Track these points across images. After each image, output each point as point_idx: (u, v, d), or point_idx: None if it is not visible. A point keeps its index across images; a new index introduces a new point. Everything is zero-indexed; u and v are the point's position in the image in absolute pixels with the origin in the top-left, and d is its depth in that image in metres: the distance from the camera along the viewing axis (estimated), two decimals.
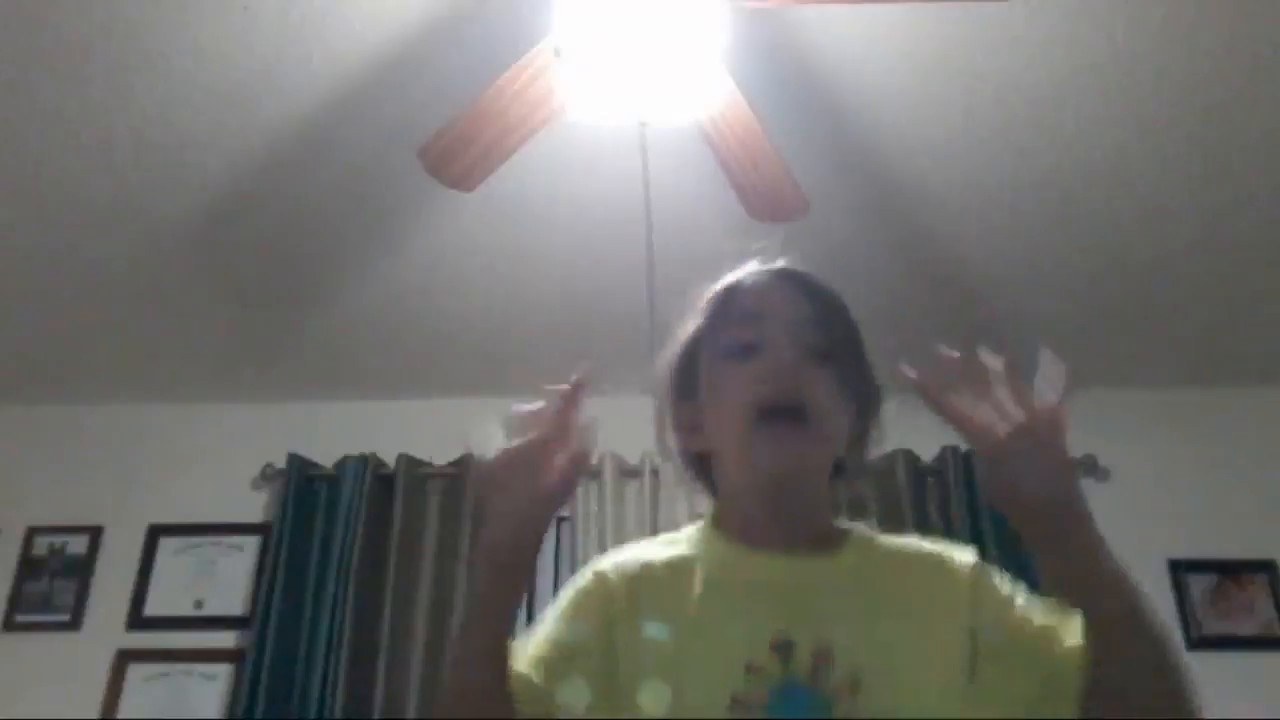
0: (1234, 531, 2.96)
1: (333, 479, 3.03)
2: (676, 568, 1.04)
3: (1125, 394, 3.15)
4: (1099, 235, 2.65)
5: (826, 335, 1.06)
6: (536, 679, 0.97)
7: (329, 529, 2.95)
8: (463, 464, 3.01)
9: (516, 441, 0.94)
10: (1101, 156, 2.42)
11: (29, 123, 2.31)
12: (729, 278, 1.13)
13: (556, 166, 2.44)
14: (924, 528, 2.85)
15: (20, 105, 2.27)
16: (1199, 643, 2.82)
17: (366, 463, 3.01)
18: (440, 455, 3.05)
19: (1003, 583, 1.04)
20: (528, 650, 1.00)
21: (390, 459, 3.04)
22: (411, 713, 2.69)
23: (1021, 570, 2.72)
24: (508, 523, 0.94)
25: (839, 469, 1.09)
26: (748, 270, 1.13)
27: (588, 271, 2.75)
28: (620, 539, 2.87)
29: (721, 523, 1.08)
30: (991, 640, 0.98)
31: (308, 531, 2.96)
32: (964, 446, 2.88)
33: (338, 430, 3.13)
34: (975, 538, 2.83)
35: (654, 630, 0.99)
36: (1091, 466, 3.02)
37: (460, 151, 2.03)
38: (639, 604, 1.01)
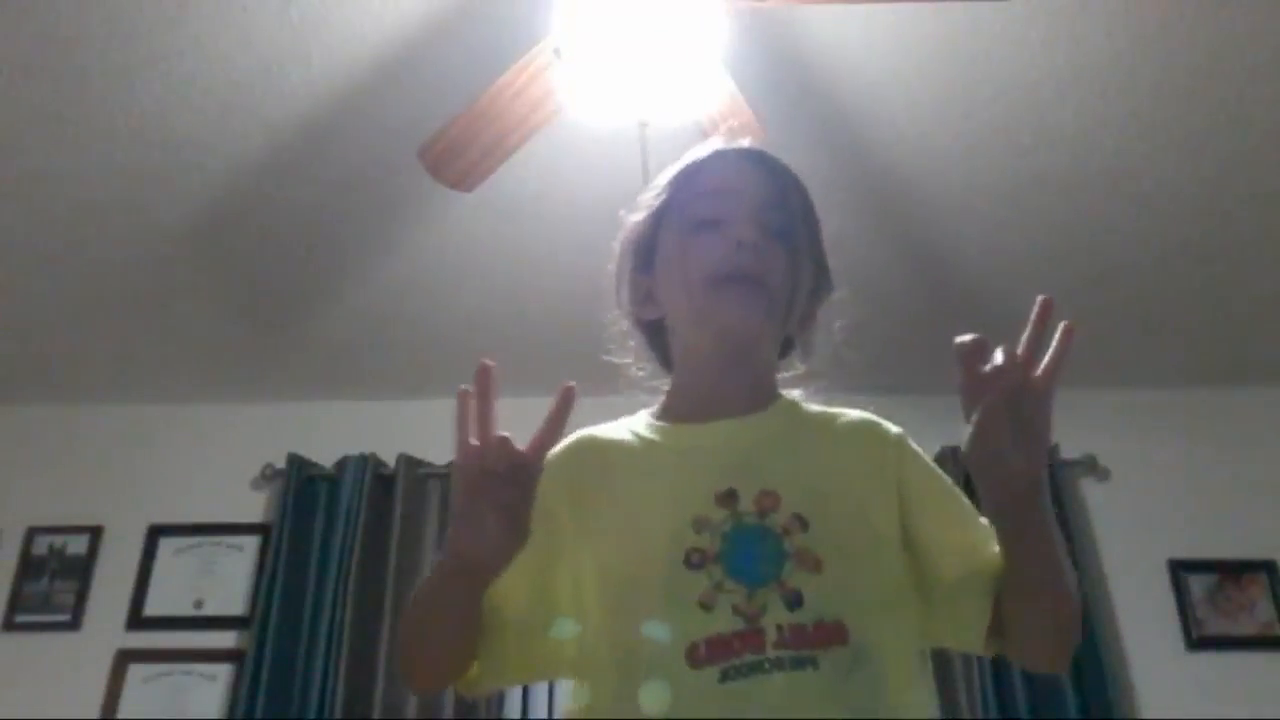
0: (1234, 531, 2.96)
1: (333, 479, 3.03)
2: (621, 443, 1.09)
3: (1125, 394, 3.15)
4: (1099, 235, 2.65)
5: (787, 216, 1.11)
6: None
7: (329, 529, 2.95)
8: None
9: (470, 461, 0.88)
10: (1101, 157, 2.42)
11: (29, 123, 2.31)
12: (693, 155, 1.17)
13: (556, 166, 2.44)
14: None
15: (20, 106, 2.27)
16: (1199, 643, 2.83)
17: (366, 463, 3.01)
18: (440, 455, 3.04)
19: (926, 461, 1.09)
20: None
21: (390, 459, 3.04)
22: (411, 713, 2.69)
23: None
24: (473, 550, 0.90)
25: (787, 348, 1.15)
26: (711, 148, 1.17)
27: (588, 271, 2.72)
28: None
29: (666, 407, 1.12)
30: (920, 497, 1.04)
31: (308, 531, 2.96)
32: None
33: (338, 430, 3.13)
34: None
35: (602, 497, 1.04)
36: (1091, 466, 3.02)
37: (460, 151, 2.03)
38: (586, 475, 1.06)
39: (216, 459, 3.15)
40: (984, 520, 1.01)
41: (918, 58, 2.20)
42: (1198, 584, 2.91)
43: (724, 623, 0.91)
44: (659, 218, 1.15)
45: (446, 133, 2.01)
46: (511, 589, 0.99)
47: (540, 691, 2.82)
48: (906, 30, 2.14)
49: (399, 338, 3.02)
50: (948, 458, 2.96)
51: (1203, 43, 2.15)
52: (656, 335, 1.17)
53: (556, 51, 1.85)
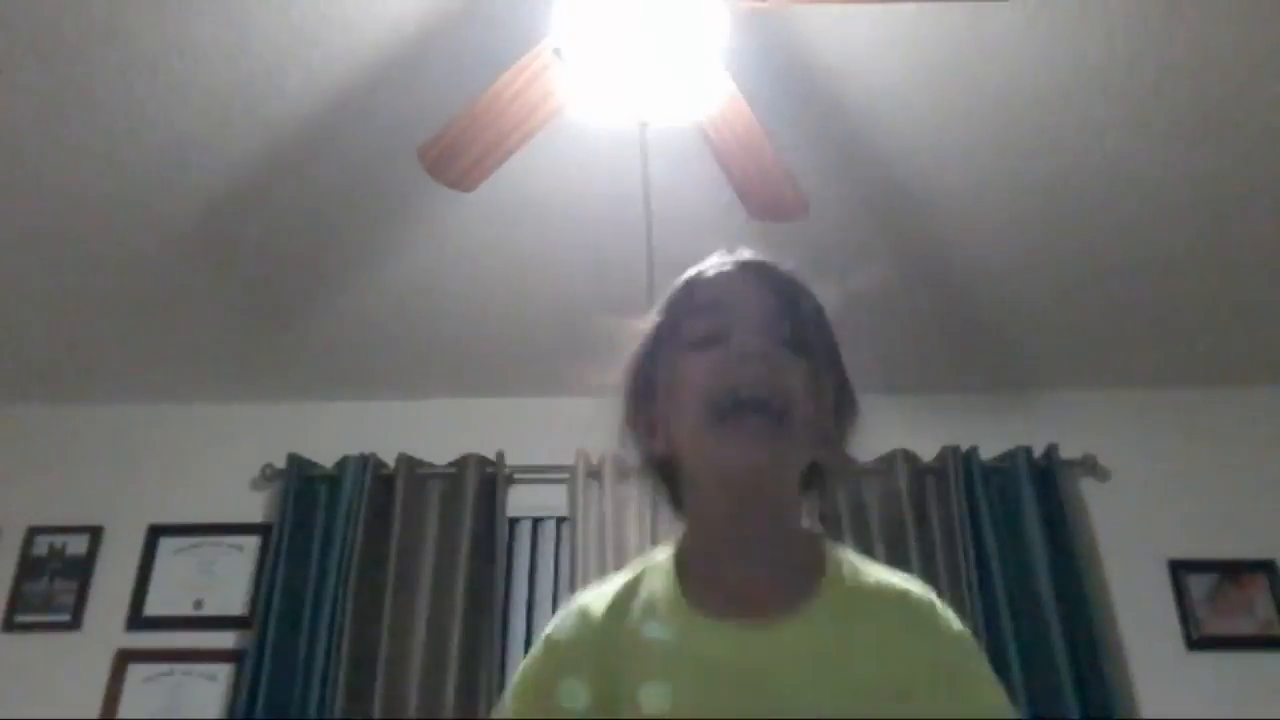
0: (1234, 531, 2.97)
1: (333, 479, 3.03)
2: (636, 638, 0.95)
3: (1125, 394, 3.15)
4: (1099, 236, 2.65)
5: (796, 326, 0.98)
6: None
7: (329, 529, 2.95)
8: (462, 464, 3.02)
9: None
10: (1102, 158, 2.42)
11: (29, 123, 2.31)
12: (689, 271, 1.05)
13: (556, 167, 2.44)
14: (923, 527, 2.85)
15: (20, 105, 2.27)
16: (1199, 643, 2.83)
17: (366, 463, 3.01)
18: (440, 455, 3.05)
19: (966, 657, 0.95)
20: None
21: (390, 459, 3.04)
22: (411, 713, 2.69)
23: (1021, 568, 2.74)
24: None
25: (812, 478, 1.00)
26: (710, 262, 1.05)
27: (588, 271, 2.75)
28: (620, 539, 2.87)
29: (683, 567, 0.98)
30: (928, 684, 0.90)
31: (308, 531, 2.96)
32: (964, 446, 2.89)
33: (338, 430, 3.13)
34: (975, 537, 2.83)
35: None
36: (1091, 466, 3.02)
37: (460, 152, 2.03)
38: (591, 675, 0.93)
39: (216, 459, 3.16)
40: None
41: (918, 58, 2.20)
42: (1197, 584, 2.91)
43: None
44: (655, 343, 1.01)
45: (446, 133, 2.01)
46: None
47: None
48: (907, 31, 2.14)
49: (399, 338, 3.02)
50: (948, 456, 2.96)
51: (1201, 45, 2.15)
52: (667, 471, 1.02)
53: (556, 52, 1.85)
